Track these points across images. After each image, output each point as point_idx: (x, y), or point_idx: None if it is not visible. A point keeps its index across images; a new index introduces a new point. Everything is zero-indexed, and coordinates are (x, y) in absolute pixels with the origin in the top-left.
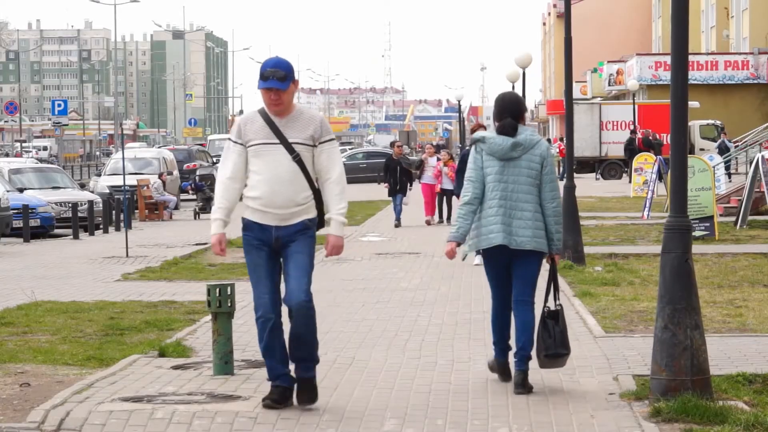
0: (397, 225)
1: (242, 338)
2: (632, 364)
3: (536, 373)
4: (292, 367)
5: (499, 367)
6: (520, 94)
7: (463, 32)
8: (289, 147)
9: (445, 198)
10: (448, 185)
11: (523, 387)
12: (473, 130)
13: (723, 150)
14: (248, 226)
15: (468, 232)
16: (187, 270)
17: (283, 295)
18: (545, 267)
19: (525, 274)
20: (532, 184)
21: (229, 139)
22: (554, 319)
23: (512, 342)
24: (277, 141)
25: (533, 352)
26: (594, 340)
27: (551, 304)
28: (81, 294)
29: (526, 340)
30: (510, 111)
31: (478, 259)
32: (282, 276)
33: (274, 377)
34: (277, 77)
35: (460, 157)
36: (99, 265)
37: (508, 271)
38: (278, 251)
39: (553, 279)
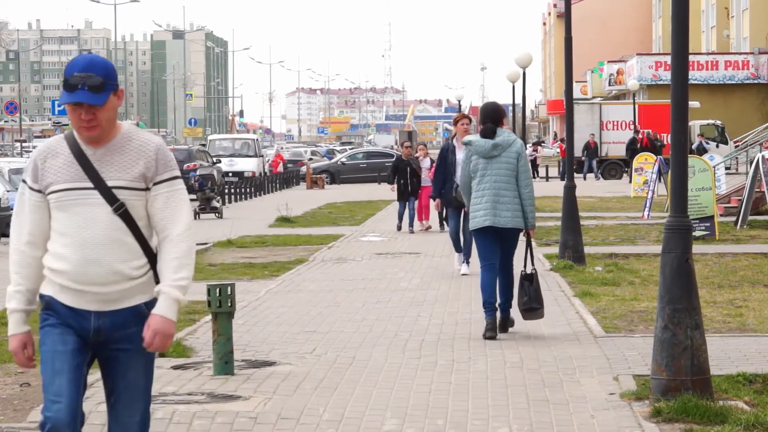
0: (411, 231)
1: (242, 338)
2: (632, 364)
3: (536, 373)
4: None
5: (489, 325)
6: (521, 93)
7: (463, 32)
8: (108, 193)
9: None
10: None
11: (505, 329)
12: (456, 121)
13: (700, 152)
14: (52, 306)
15: (470, 202)
16: None
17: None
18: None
19: (507, 248)
20: (510, 175)
21: (23, 181)
22: (529, 280)
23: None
24: (91, 184)
25: (515, 307)
26: (594, 340)
27: (528, 269)
28: None
29: (507, 296)
30: (491, 118)
31: (465, 269)
32: (93, 384)
33: None
34: (90, 85)
35: (439, 155)
36: None
37: (494, 243)
38: (95, 346)
39: (528, 249)
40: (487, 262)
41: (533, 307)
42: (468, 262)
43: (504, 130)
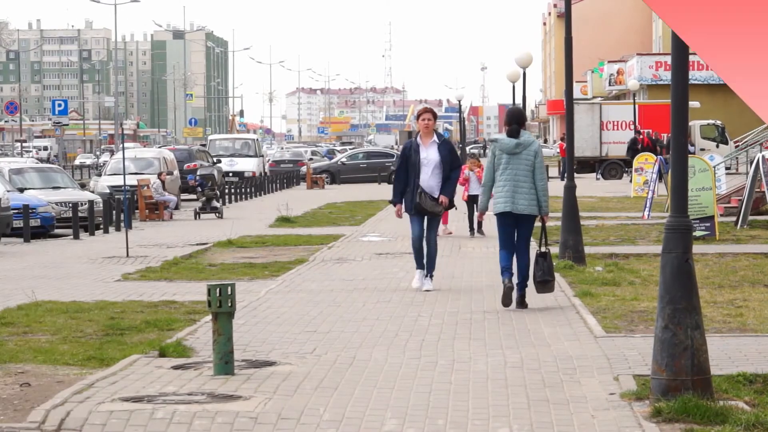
0: None
1: (242, 338)
2: (633, 364)
3: (536, 373)
4: None
5: (506, 290)
6: (521, 93)
7: (463, 32)
8: None
9: (475, 206)
10: (476, 191)
11: (521, 304)
12: (419, 115)
13: None
14: None
15: (487, 204)
16: (188, 270)
17: None
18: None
19: (524, 233)
20: (528, 170)
21: None
22: (543, 257)
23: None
24: None
25: (530, 283)
26: (594, 340)
27: (542, 248)
28: (81, 294)
29: (524, 274)
30: (516, 120)
31: (428, 284)
32: None
33: None
34: None
35: (401, 153)
36: (99, 265)
37: (512, 228)
38: None
39: (543, 231)
40: (505, 243)
41: (546, 279)
42: (432, 276)
43: (525, 132)
